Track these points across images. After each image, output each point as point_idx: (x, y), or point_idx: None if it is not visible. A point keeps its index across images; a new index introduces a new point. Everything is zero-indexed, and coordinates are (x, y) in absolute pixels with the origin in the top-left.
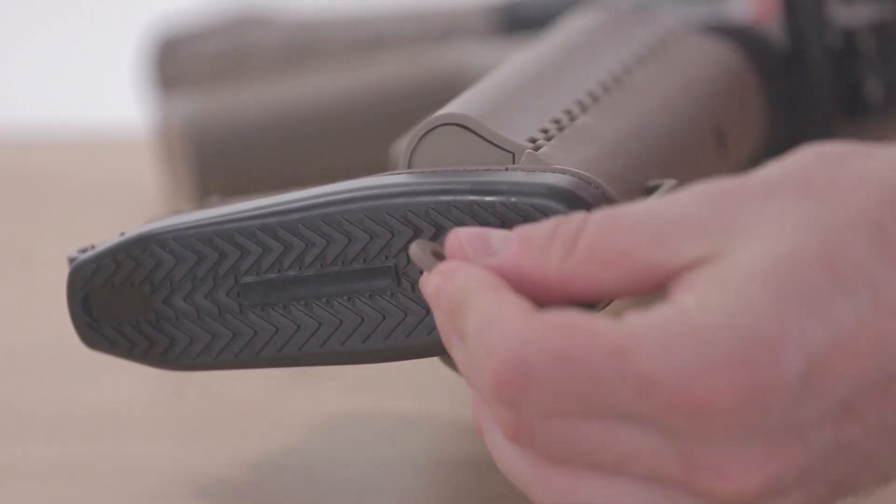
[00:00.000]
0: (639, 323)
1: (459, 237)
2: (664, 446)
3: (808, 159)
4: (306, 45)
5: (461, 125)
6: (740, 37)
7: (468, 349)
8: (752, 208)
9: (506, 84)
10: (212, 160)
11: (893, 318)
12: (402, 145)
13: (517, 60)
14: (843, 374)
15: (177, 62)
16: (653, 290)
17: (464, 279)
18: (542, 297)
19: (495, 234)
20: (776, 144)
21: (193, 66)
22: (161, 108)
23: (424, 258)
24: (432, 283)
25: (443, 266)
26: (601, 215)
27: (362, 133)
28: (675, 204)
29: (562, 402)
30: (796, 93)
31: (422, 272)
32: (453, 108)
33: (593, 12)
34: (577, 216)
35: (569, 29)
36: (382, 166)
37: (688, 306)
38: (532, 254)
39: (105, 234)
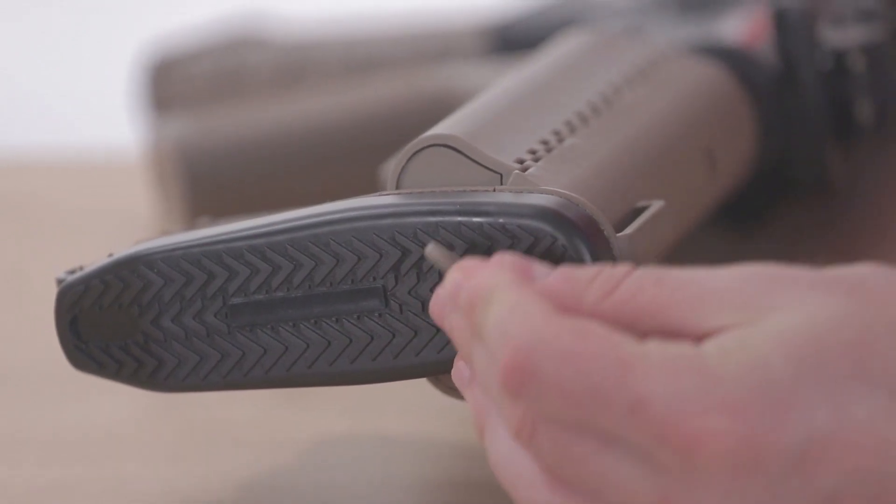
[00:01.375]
0: (655, 348)
1: (505, 257)
2: (646, 480)
3: (868, 268)
4: (300, 66)
5: (449, 146)
6: (731, 58)
7: (485, 342)
8: (796, 293)
9: (494, 105)
10: (204, 182)
11: None
12: (389, 167)
13: (506, 81)
14: (839, 466)
15: (170, 83)
16: None
17: (489, 274)
18: None
19: (539, 266)
20: (767, 166)
21: (187, 88)
22: (153, 130)
23: (445, 255)
24: (450, 281)
25: (464, 263)
26: (647, 271)
27: (354, 155)
28: (722, 275)
29: (562, 404)
30: (788, 114)
31: (429, 288)
32: (441, 128)
33: (583, 34)
34: (624, 267)
35: (558, 50)
36: (374, 187)
37: (707, 350)
38: (571, 286)
39: (95, 256)
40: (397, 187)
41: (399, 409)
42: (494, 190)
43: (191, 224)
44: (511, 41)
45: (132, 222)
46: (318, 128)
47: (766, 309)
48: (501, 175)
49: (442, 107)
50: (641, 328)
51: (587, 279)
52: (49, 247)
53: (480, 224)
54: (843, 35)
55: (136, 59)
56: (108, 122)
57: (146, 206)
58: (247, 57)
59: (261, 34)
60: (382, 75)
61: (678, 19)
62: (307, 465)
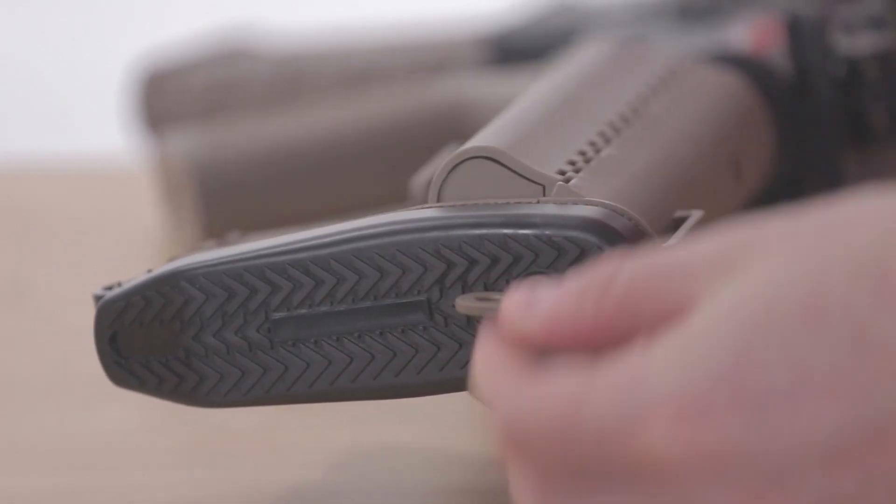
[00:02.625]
0: (602, 373)
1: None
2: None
3: (845, 201)
4: (296, 77)
5: (491, 158)
6: (745, 66)
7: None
8: (766, 251)
9: (527, 116)
10: (216, 196)
11: (879, 357)
12: (421, 178)
13: (534, 92)
14: (815, 419)
15: (165, 96)
16: None
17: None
18: (586, 346)
19: (539, 293)
20: (783, 174)
21: (182, 100)
22: (161, 144)
23: (480, 306)
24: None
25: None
26: (631, 264)
27: (366, 167)
28: (706, 244)
29: (555, 471)
30: (802, 122)
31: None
32: (481, 140)
33: (600, 43)
34: (608, 265)
35: (579, 60)
36: (387, 200)
37: (652, 353)
38: (566, 307)
39: (98, 265)
40: (438, 199)
41: (404, 416)
42: (538, 202)
43: (222, 239)
44: (508, 51)
45: (135, 230)
46: (329, 140)
47: (735, 271)
48: (544, 187)
49: (453, 118)
50: (646, 320)
51: (578, 292)
52: (51, 254)
53: (527, 236)
54: (856, 43)
55: (130, 71)
56: (108, 129)
57: (149, 214)
58: (240, 69)
59: (253, 46)
60: (390, 87)
61: (678, 27)
62: (314, 474)
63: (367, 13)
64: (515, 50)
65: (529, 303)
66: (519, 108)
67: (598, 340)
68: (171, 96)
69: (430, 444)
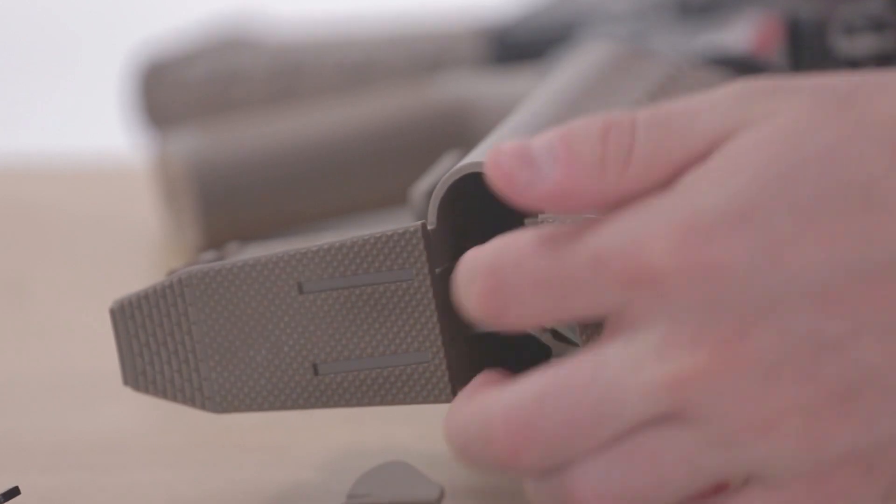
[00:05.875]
0: (619, 210)
1: (500, 160)
2: (638, 341)
3: (863, 76)
4: (296, 67)
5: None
6: (745, 68)
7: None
8: (785, 99)
9: (527, 129)
10: (216, 199)
11: (880, 217)
12: (421, 187)
13: (533, 103)
14: (810, 255)
15: (164, 87)
16: None
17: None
18: (599, 209)
19: (538, 148)
20: None
21: (181, 91)
22: (160, 144)
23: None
24: None
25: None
26: (648, 118)
27: (367, 169)
28: (719, 93)
29: (538, 292)
30: None
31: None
32: (480, 155)
33: (599, 48)
34: (623, 122)
35: (578, 68)
36: (388, 201)
37: (667, 191)
38: (586, 175)
39: (98, 264)
40: (437, 214)
41: (404, 416)
42: (539, 219)
43: (221, 250)
44: (507, 44)
45: (136, 228)
46: (329, 142)
47: (757, 115)
48: None
49: (454, 120)
50: (668, 178)
51: (597, 155)
52: (52, 253)
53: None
54: (855, 45)
55: (128, 64)
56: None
57: (150, 212)
58: (241, 59)
59: (253, 36)
60: (390, 86)
61: (678, 25)
62: (314, 474)
63: (367, 4)
64: (515, 43)
65: (529, 160)
66: (517, 119)
67: (612, 207)
68: (170, 87)
69: (429, 444)
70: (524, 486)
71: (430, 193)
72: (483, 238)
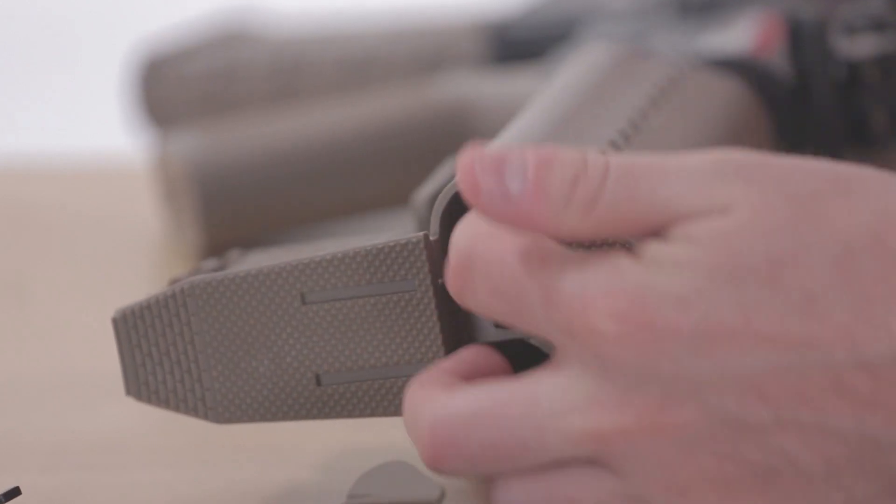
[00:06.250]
0: (578, 254)
1: (472, 166)
2: (574, 384)
3: (846, 169)
4: (295, 64)
5: None
6: (746, 70)
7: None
8: (756, 187)
9: (527, 135)
10: (217, 200)
11: (820, 327)
12: (423, 193)
13: (534, 111)
14: (746, 349)
15: (164, 83)
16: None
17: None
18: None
19: (512, 166)
20: None
21: (181, 87)
22: (160, 144)
23: None
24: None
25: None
26: (622, 169)
27: (368, 169)
28: (694, 163)
29: (494, 296)
30: (803, 124)
31: None
32: None
33: (599, 50)
34: (597, 167)
35: (580, 70)
36: (389, 201)
37: (629, 256)
38: (549, 210)
39: (99, 264)
40: (440, 222)
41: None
42: None
43: (223, 258)
44: (507, 40)
45: (136, 228)
46: (330, 142)
47: (723, 202)
48: None
49: (455, 121)
50: (626, 233)
51: (564, 194)
52: (52, 253)
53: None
54: (856, 46)
55: (128, 60)
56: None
57: (150, 212)
58: (241, 54)
59: (253, 30)
60: (390, 85)
61: (678, 24)
62: (313, 475)
63: (367, 0)
64: (515, 40)
65: (501, 175)
66: (519, 127)
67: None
68: (170, 83)
69: None
70: None
71: (432, 200)
72: None
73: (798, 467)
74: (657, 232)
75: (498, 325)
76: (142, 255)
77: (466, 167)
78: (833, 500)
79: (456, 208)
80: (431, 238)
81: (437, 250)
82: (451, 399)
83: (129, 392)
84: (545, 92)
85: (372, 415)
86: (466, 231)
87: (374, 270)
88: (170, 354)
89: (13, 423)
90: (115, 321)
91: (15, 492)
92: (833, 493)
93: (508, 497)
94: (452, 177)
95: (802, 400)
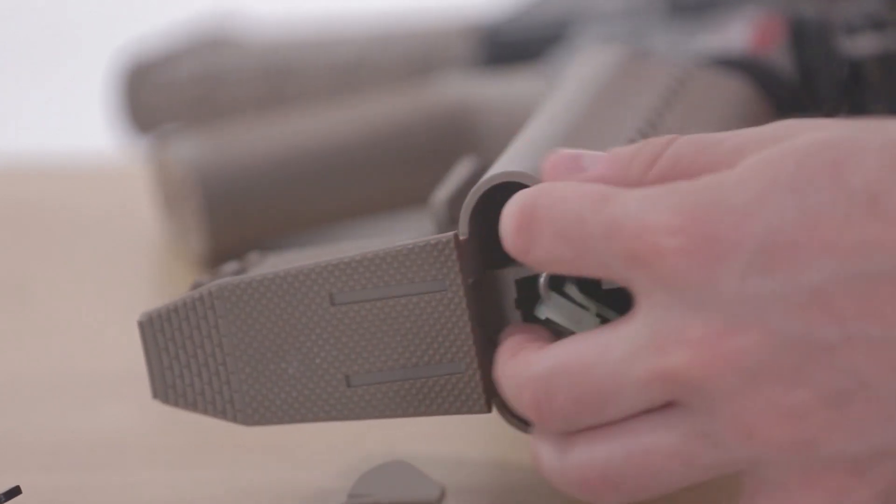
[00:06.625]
0: (641, 188)
1: (554, 158)
2: (641, 327)
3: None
4: (284, 68)
5: (521, 183)
6: (750, 69)
7: None
8: (814, 127)
9: (546, 138)
10: (222, 204)
11: (885, 227)
12: (441, 195)
13: (549, 113)
14: (811, 260)
15: (151, 88)
16: None
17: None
18: None
19: (587, 155)
20: None
21: (166, 93)
22: (159, 149)
23: None
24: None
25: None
26: (687, 137)
27: (371, 172)
28: (758, 129)
29: (559, 240)
30: None
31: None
32: (508, 165)
33: (604, 52)
34: (663, 138)
35: (589, 72)
36: (393, 204)
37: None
38: (616, 167)
39: (99, 264)
40: (469, 223)
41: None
42: None
43: (243, 260)
44: (498, 43)
45: (136, 228)
46: (332, 145)
47: (781, 137)
48: None
49: (457, 122)
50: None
51: (630, 156)
52: (53, 252)
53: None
54: (858, 44)
55: (113, 65)
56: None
57: (148, 212)
58: (226, 60)
59: (235, 36)
60: (389, 88)
61: (670, 24)
62: (315, 474)
63: (355, 4)
64: (505, 42)
65: (577, 161)
66: (535, 130)
67: None
68: (155, 89)
69: (430, 444)
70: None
71: (451, 201)
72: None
73: (870, 389)
74: None
75: (526, 320)
76: (142, 255)
77: (552, 164)
78: None
79: (483, 208)
80: (461, 238)
81: (467, 250)
82: (537, 359)
83: (156, 395)
84: (557, 94)
85: (402, 415)
86: (524, 193)
87: (403, 271)
88: (197, 357)
89: (13, 423)
90: (141, 324)
91: (15, 491)
92: None
93: (590, 457)
94: (470, 177)
95: (870, 312)
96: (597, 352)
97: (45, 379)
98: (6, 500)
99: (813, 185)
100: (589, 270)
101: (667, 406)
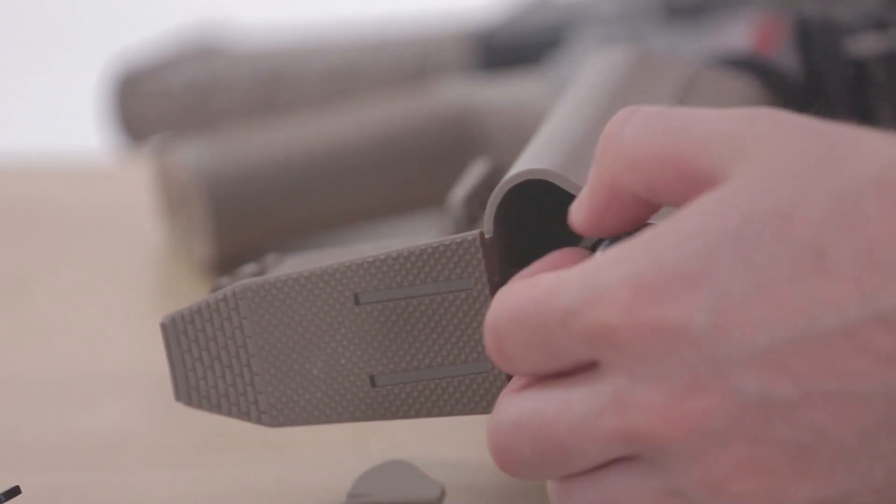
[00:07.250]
0: (577, 267)
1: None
2: (603, 387)
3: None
4: (277, 76)
5: (545, 181)
6: (756, 68)
7: None
8: (779, 142)
9: (565, 137)
10: (228, 208)
11: (832, 283)
12: (458, 194)
13: (565, 112)
14: (761, 322)
15: (143, 97)
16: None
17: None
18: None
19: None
20: None
21: (158, 102)
22: (162, 155)
23: None
24: None
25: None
26: (645, 114)
27: (377, 175)
28: (726, 117)
29: (529, 350)
30: None
31: None
32: (531, 163)
33: (614, 53)
34: (620, 116)
35: (602, 74)
36: (399, 207)
37: (626, 242)
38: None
39: (99, 263)
40: (493, 220)
41: None
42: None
43: (261, 262)
44: (493, 48)
45: (137, 228)
46: (338, 149)
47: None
48: None
49: (461, 125)
50: (657, 178)
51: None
52: (53, 252)
53: None
54: (862, 44)
55: (105, 74)
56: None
57: (149, 212)
58: (218, 68)
59: (228, 44)
60: (393, 93)
61: (666, 27)
62: (315, 474)
63: (348, 10)
64: (500, 47)
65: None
66: (554, 128)
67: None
68: (147, 97)
69: (430, 444)
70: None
71: (468, 200)
72: (531, 247)
73: (833, 442)
74: (681, 173)
75: None
76: (142, 255)
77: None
78: (875, 471)
79: (507, 206)
80: (487, 236)
81: (492, 248)
82: (507, 405)
83: (178, 398)
84: (572, 93)
85: (427, 415)
86: (490, 312)
87: (428, 270)
88: (221, 359)
89: (13, 423)
90: (163, 326)
91: (15, 491)
92: (874, 465)
93: (561, 499)
94: (486, 177)
95: (825, 369)
96: (558, 409)
97: (45, 379)
98: (6, 500)
99: (758, 241)
100: (558, 367)
101: (633, 459)
